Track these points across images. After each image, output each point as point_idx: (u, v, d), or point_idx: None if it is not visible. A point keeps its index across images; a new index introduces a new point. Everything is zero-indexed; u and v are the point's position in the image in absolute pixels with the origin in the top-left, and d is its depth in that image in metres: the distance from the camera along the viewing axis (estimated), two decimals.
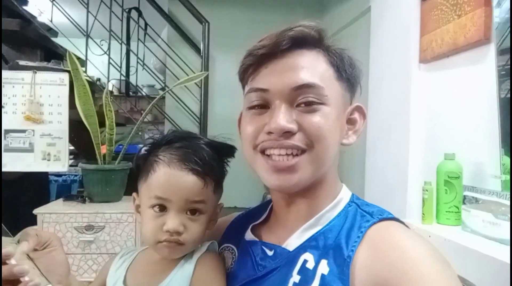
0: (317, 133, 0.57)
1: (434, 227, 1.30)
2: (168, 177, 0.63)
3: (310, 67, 0.58)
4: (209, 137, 0.71)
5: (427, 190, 1.34)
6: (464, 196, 1.26)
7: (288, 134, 0.56)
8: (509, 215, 1.07)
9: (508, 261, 0.93)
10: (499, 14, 1.28)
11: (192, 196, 0.63)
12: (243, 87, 0.66)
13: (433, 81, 1.61)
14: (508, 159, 1.24)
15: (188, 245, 0.64)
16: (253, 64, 0.60)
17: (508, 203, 1.10)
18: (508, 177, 1.21)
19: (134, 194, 0.71)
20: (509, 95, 1.23)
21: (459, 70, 1.46)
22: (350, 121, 0.65)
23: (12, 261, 0.56)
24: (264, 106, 0.60)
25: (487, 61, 1.31)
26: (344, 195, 0.65)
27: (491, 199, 1.17)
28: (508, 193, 1.16)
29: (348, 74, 0.62)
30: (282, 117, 0.56)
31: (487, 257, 1.00)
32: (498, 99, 1.25)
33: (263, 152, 0.60)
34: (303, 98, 0.57)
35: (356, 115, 0.65)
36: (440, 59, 1.55)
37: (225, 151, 0.69)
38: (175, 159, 0.64)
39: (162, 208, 0.63)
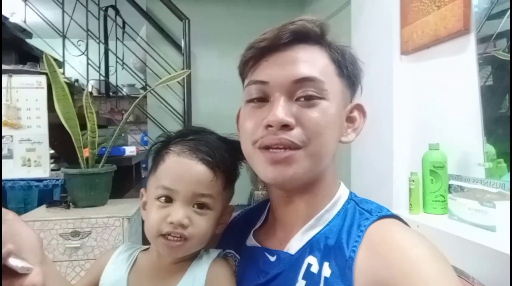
0: (315, 129, 0.56)
1: (421, 217, 1.32)
2: (177, 165, 0.61)
3: (311, 61, 0.57)
4: (221, 134, 0.69)
5: (413, 181, 1.35)
6: (450, 185, 1.28)
7: (286, 127, 0.55)
8: (494, 202, 1.09)
9: (495, 247, 0.95)
10: (477, 3, 1.29)
11: (200, 188, 0.61)
12: (243, 81, 0.64)
13: (415, 72, 1.62)
14: (491, 147, 1.26)
15: (191, 242, 0.61)
16: (254, 57, 0.59)
17: (493, 190, 1.12)
18: (491, 164, 1.24)
19: (142, 190, 0.69)
20: (489, 82, 1.26)
21: (440, 60, 1.48)
22: (350, 119, 0.64)
23: None
24: (263, 99, 0.59)
25: (468, 50, 1.33)
26: (342, 193, 0.64)
27: (476, 187, 1.19)
28: (492, 181, 1.19)
29: (349, 71, 0.61)
30: (281, 110, 0.55)
31: (475, 244, 1.02)
32: (479, 86, 1.27)
33: (261, 147, 0.58)
34: (302, 91, 0.56)
35: (356, 113, 0.65)
36: (421, 50, 1.57)
37: (239, 149, 0.66)
38: (186, 148, 0.63)
39: (168, 200, 0.61)
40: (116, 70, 2.93)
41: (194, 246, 0.63)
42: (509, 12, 1.19)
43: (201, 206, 0.62)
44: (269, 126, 0.56)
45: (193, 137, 0.65)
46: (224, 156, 0.64)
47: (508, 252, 0.90)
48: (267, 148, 0.57)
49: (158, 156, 0.65)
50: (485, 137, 1.26)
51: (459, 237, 1.08)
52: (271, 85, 0.57)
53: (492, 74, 1.30)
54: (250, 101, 0.60)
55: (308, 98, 0.57)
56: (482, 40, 1.28)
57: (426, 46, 1.53)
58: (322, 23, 0.59)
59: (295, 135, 0.56)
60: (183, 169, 0.61)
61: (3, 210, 0.55)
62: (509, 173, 1.18)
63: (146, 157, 0.68)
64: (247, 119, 0.60)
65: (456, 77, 1.40)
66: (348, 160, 2.05)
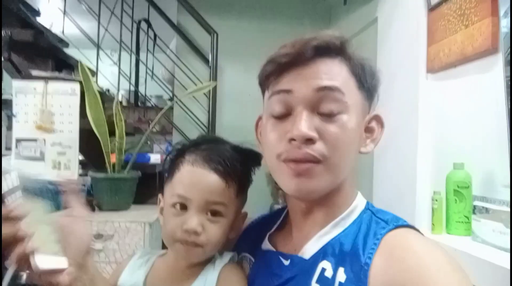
0: (336, 143, 0.58)
1: (444, 237, 1.29)
2: (191, 174, 0.64)
3: (332, 74, 0.59)
4: (234, 143, 0.72)
5: (436, 200, 1.33)
6: (474, 206, 1.25)
7: (309, 141, 0.57)
8: None
9: None
10: (506, 24, 1.28)
11: (213, 196, 0.63)
12: (263, 92, 0.66)
13: (441, 90, 1.61)
14: None
15: (206, 248, 0.64)
16: (276, 70, 0.61)
17: None
18: None
19: (159, 195, 0.72)
20: None
21: (467, 79, 1.46)
22: (368, 130, 0.65)
23: (23, 222, 0.51)
24: (285, 114, 0.60)
25: (495, 70, 1.31)
26: (359, 202, 0.65)
27: (501, 209, 1.16)
28: None
29: (368, 83, 0.62)
30: (304, 124, 0.57)
31: (499, 268, 0.99)
32: (507, 107, 1.24)
33: (286, 161, 0.60)
34: (324, 105, 0.58)
35: (374, 124, 0.66)
36: (448, 69, 1.56)
37: (251, 157, 0.70)
38: (199, 158, 0.65)
39: (183, 207, 0.64)
40: (145, 81, 3.03)
41: (209, 252, 0.65)
42: None
43: (214, 213, 0.64)
44: (292, 139, 0.57)
45: (206, 147, 0.68)
46: (236, 165, 0.67)
47: None
48: (291, 160, 0.58)
49: (174, 164, 0.68)
50: (511, 158, 1.23)
51: (483, 260, 1.05)
52: (294, 94, 0.59)
53: (510, 85, 1.26)
54: (273, 116, 0.61)
55: (329, 113, 0.58)
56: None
57: (453, 64, 1.52)
58: (343, 38, 0.61)
59: (317, 149, 0.57)
60: (196, 178, 0.64)
61: (74, 207, 0.59)
62: None
63: (164, 165, 0.71)
64: (271, 132, 0.61)
65: (483, 96, 1.38)
66: (370, 176, 2.02)
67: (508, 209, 1.15)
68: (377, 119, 0.66)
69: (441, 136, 1.58)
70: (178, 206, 0.64)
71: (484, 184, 1.31)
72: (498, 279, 0.98)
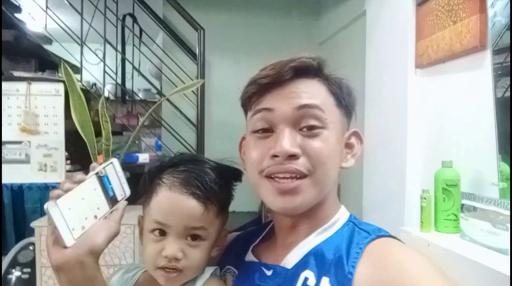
0: (319, 158, 0.60)
1: (432, 235, 1.30)
2: (168, 200, 0.64)
3: (312, 93, 0.62)
4: (215, 160, 0.72)
5: (425, 198, 1.34)
6: (462, 204, 1.26)
7: (292, 157, 0.59)
8: (507, 225, 1.06)
9: (506, 272, 0.93)
10: (494, 14, 1.27)
11: (192, 222, 0.63)
12: (245, 113, 0.68)
13: (429, 86, 1.61)
14: (506, 166, 1.24)
15: (187, 272, 0.64)
16: (257, 92, 0.63)
17: (506, 212, 1.10)
18: (506, 184, 1.22)
19: (139, 216, 0.71)
20: (507, 94, 1.23)
21: (456, 75, 1.46)
22: (348, 146, 0.68)
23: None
24: (268, 130, 0.62)
25: (483, 66, 1.31)
26: (342, 215, 0.67)
27: (489, 208, 1.17)
28: (506, 201, 1.16)
29: (346, 101, 0.66)
30: (287, 141, 0.59)
31: (485, 268, 1.00)
32: (495, 103, 1.24)
33: (268, 176, 0.61)
34: (305, 121, 0.60)
35: (353, 140, 0.69)
36: (436, 65, 1.55)
37: (231, 175, 0.70)
38: (177, 182, 0.65)
39: (162, 233, 0.63)
40: (132, 76, 2.98)
41: (190, 276, 0.65)
42: None
43: (194, 238, 0.64)
44: (275, 156, 0.59)
45: (185, 168, 0.67)
46: (214, 187, 0.66)
47: None
48: (273, 177, 0.60)
49: (152, 185, 0.67)
50: (500, 156, 1.24)
51: (470, 259, 1.06)
52: (276, 112, 0.61)
53: (511, 85, 1.27)
54: (256, 131, 0.64)
55: (311, 128, 0.61)
56: (501, 51, 1.25)
57: (442, 60, 1.51)
58: (320, 59, 0.64)
59: (302, 164, 0.59)
60: (174, 204, 0.63)
61: (118, 211, 0.63)
62: None
63: (142, 184, 0.70)
64: (253, 149, 0.63)
65: (471, 93, 1.38)
66: (360, 175, 2.03)
67: (496, 208, 1.15)
68: (356, 135, 0.69)
69: (431, 133, 1.58)
70: (157, 232, 0.64)
71: (473, 182, 1.32)
72: (484, 279, 0.99)
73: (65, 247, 0.55)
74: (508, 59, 1.25)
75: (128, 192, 0.64)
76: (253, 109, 0.64)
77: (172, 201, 0.63)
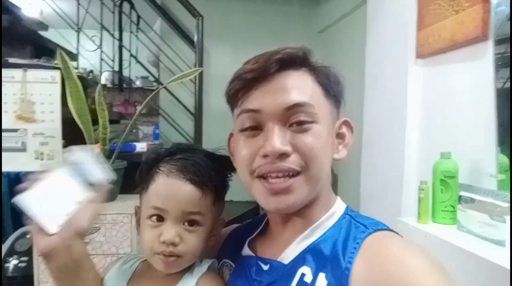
0: (311, 154, 0.58)
1: (429, 226, 1.30)
2: (166, 186, 0.64)
3: (299, 86, 0.60)
4: (210, 150, 0.72)
5: (423, 189, 1.33)
6: (460, 195, 1.26)
7: (283, 155, 0.57)
8: (505, 217, 1.07)
9: (503, 264, 0.94)
10: (497, 3, 1.25)
11: (189, 206, 0.63)
12: (232, 110, 0.66)
13: (430, 76, 1.59)
14: (505, 158, 1.24)
15: (185, 258, 0.64)
16: (243, 87, 0.61)
17: (504, 204, 1.10)
18: (504, 176, 1.21)
19: (136, 206, 0.72)
20: (507, 85, 1.22)
21: (457, 66, 1.45)
22: (339, 136, 0.66)
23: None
24: (256, 128, 0.60)
25: (485, 57, 1.29)
26: (338, 207, 0.66)
27: (487, 200, 1.17)
28: (504, 193, 1.16)
29: (334, 91, 0.63)
30: (277, 140, 0.57)
31: (482, 260, 1.00)
32: (495, 93, 1.23)
33: (260, 177, 0.60)
34: (295, 118, 0.58)
35: (344, 129, 0.67)
36: (437, 55, 1.53)
37: (226, 164, 0.69)
38: (174, 169, 0.65)
39: (160, 219, 0.64)
40: (129, 64, 2.95)
41: (187, 261, 0.66)
42: None
43: (192, 223, 0.65)
44: (266, 155, 0.58)
45: (181, 156, 0.67)
46: (211, 174, 0.67)
47: None
48: (265, 177, 0.59)
49: (148, 175, 0.67)
50: (498, 147, 1.23)
51: (467, 251, 1.06)
52: (263, 113, 0.59)
53: (511, 76, 1.26)
54: (244, 130, 0.62)
55: (300, 123, 0.59)
56: (502, 41, 1.24)
57: (443, 50, 1.49)
58: (305, 48, 0.62)
59: (293, 161, 0.58)
60: (172, 189, 0.64)
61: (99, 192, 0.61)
62: None
63: (138, 175, 0.70)
64: (243, 149, 0.62)
65: (471, 83, 1.36)
66: (358, 165, 2.03)
67: (493, 200, 1.15)
68: (347, 124, 0.67)
69: (429, 123, 1.57)
70: (154, 218, 0.64)
71: (471, 173, 1.32)
72: (480, 271, 1.00)
73: (51, 234, 0.55)
74: (509, 49, 1.23)
75: (109, 175, 0.63)
76: (240, 107, 0.62)
77: (169, 186, 0.64)
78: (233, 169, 0.69)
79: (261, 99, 0.59)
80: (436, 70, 1.55)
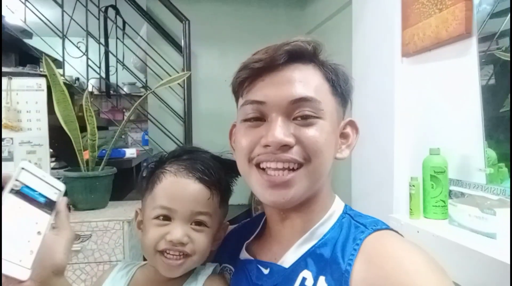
0: (315, 147, 0.57)
1: (421, 222, 1.31)
2: (174, 185, 0.63)
3: (306, 81, 0.58)
4: (214, 153, 0.72)
5: (413, 186, 1.35)
6: (450, 190, 1.27)
7: (285, 147, 0.56)
8: (495, 209, 1.08)
9: (494, 256, 0.95)
10: (479, 2, 1.28)
11: (198, 206, 0.62)
12: (236, 100, 0.65)
13: (416, 74, 1.61)
14: (492, 152, 1.26)
15: (194, 258, 0.62)
16: (249, 77, 0.60)
17: (493, 197, 1.12)
18: (493, 170, 1.23)
19: (137, 209, 0.70)
20: (491, 81, 1.25)
21: (442, 63, 1.47)
22: (343, 136, 0.65)
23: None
24: (259, 119, 0.59)
25: (469, 54, 1.32)
26: (337, 207, 0.65)
27: (477, 193, 1.18)
28: (493, 186, 1.18)
29: (342, 89, 0.62)
30: (280, 130, 0.56)
31: (474, 252, 1.02)
32: (480, 89, 1.25)
33: (258, 165, 0.59)
34: (299, 111, 0.57)
35: (349, 130, 0.66)
36: (423, 53, 1.56)
37: (231, 167, 0.68)
38: (182, 168, 0.64)
39: (167, 218, 0.62)
40: (116, 70, 2.92)
41: (195, 262, 0.64)
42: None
43: (199, 223, 0.63)
44: (267, 145, 0.56)
45: (188, 157, 0.66)
46: (219, 175, 0.66)
47: (508, 262, 0.89)
48: (264, 168, 0.58)
49: (153, 176, 0.66)
50: (486, 142, 1.25)
51: (459, 244, 1.07)
52: (268, 105, 0.58)
53: (495, 73, 1.28)
54: (247, 120, 0.61)
55: (305, 117, 0.57)
56: (485, 39, 1.27)
57: (428, 48, 1.52)
58: (315, 43, 0.60)
59: (296, 152, 0.57)
60: (180, 188, 0.62)
61: (61, 220, 0.55)
62: (509, 180, 1.17)
63: (140, 179, 0.69)
64: (243, 137, 0.60)
65: (457, 80, 1.39)
66: (348, 163, 2.04)
67: (483, 193, 1.17)
68: (352, 124, 0.66)
69: (418, 120, 1.59)
70: (161, 218, 0.62)
71: (460, 168, 1.34)
72: (473, 263, 1.01)
73: (23, 281, 0.48)
74: (492, 47, 1.26)
75: (61, 186, 0.56)
76: (245, 97, 0.61)
77: (178, 185, 0.62)
78: (238, 173, 0.68)
79: (267, 90, 0.58)
80: (422, 68, 1.58)
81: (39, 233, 0.51)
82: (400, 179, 1.59)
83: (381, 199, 1.68)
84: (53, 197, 0.55)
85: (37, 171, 0.53)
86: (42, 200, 0.53)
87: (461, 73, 1.36)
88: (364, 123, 1.90)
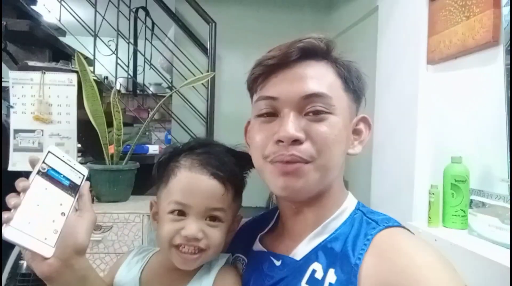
0: (324, 143, 0.58)
1: (440, 230, 1.30)
2: (189, 180, 0.63)
3: (319, 77, 0.60)
4: (228, 146, 0.71)
5: (433, 194, 1.33)
6: (471, 200, 1.25)
7: (296, 142, 0.57)
8: None
9: None
10: (508, 13, 1.26)
11: (213, 202, 0.62)
12: (251, 96, 0.67)
13: (440, 82, 1.60)
14: None
15: (208, 252, 0.63)
16: (263, 73, 0.61)
17: None
18: None
19: (151, 200, 0.71)
20: None
21: (467, 71, 1.45)
22: (356, 132, 0.66)
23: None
24: (272, 114, 0.61)
25: (496, 63, 1.30)
26: (350, 203, 0.66)
27: (498, 204, 1.16)
28: None
29: (355, 85, 0.63)
30: (291, 126, 0.57)
31: (494, 263, 1.00)
32: (506, 101, 1.23)
33: (272, 162, 0.60)
34: (311, 107, 0.58)
35: (362, 126, 0.66)
36: (448, 61, 1.54)
37: (245, 160, 0.69)
38: (197, 163, 0.64)
39: (182, 213, 0.63)
40: (144, 69, 3.00)
41: (210, 256, 0.65)
42: None
43: (213, 219, 0.64)
44: (279, 141, 0.58)
45: (203, 151, 0.66)
46: (233, 170, 0.66)
47: None
48: (277, 161, 0.59)
49: (168, 169, 0.66)
50: (510, 152, 1.23)
51: (478, 254, 1.06)
52: (280, 100, 0.59)
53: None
54: (260, 115, 0.62)
55: (317, 113, 0.59)
56: None
57: (454, 56, 1.50)
58: (328, 40, 0.61)
59: (305, 149, 0.58)
60: (195, 184, 0.63)
61: (85, 205, 0.57)
62: None
63: (156, 170, 0.69)
64: (257, 133, 0.62)
65: (482, 89, 1.37)
66: (369, 169, 2.03)
67: (505, 204, 1.15)
68: (365, 120, 0.67)
69: (440, 128, 1.57)
70: (176, 213, 0.63)
71: (482, 178, 1.31)
72: (492, 274, 0.99)
73: (47, 258, 0.51)
74: None
75: (85, 171, 0.58)
76: (258, 93, 0.62)
77: (193, 181, 0.63)
78: (252, 165, 0.69)
79: (280, 86, 0.59)
80: (447, 76, 1.56)
81: (63, 214, 0.53)
82: (420, 186, 1.57)
83: (400, 206, 1.66)
84: (77, 181, 0.57)
85: (63, 155, 0.56)
86: (66, 183, 0.55)
87: (487, 82, 1.34)
88: (386, 129, 1.91)
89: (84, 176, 0.58)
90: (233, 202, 0.66)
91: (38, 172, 0.52)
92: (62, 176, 0.55)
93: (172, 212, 0.63)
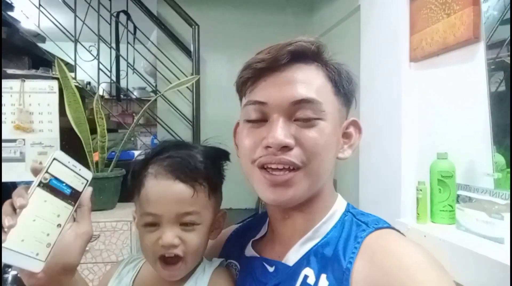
0: (314, 149, 0.57)
1: (428, 226, 1.31)
2: (155, 189, 0.61)
3: (309, 81, 0.59)
4: (201, 142, 0.70)
5: (421, 190, 1.34)
6: (458, 195, 1.27)
7: (285, 148, 0.57)
8: (502, 214, 1.07)
9: (502, 261, 0.94)
10: (487, 9, 1.28)
11: (183, 207, 0.61)
12: (240, 99, 0.66)
13: (424, 80, 1.61)
14: (501, 157, 1.25)
15: (188, 259, 0.62)
16: (252, 77, 0.60)
17: (501, 202, 1.11)
18: (501, 175, 1.23)
19: (133, 211, 0.69)
20: (501, 88, 1.24)
21: (450, 68, 1.47)
22: (346, 135, 0.65)
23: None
24: (261, 119, 0.60)
25: (477, 59, 1.32)
26: (339, 205, 0.65)
27: (484, 198, 1.18)
28: (501, 191, 1.17)
29: (345, 89, 0.62)
30: (280, 132, 0.56)
31: (481, 256, 1.01)
32: (489, 95, 1.25)
33: (260, 167, 0.59)
34: (300, 113, 0.57)
35: (352, 129, 0.66)
36: (430, 58, 1.56)
37: (218, 154, 0.68)
38: (162, 169, 0.62)
39: (155, 224, 0.61)
40: (127, 74, 2.97)
41: (191, 262, 0.63)
42: None
43: (187, 224, 0.62)
44: (268, 147, 0.57)
45: (168, 155, 0.64)
46: (202, 169, 0.63)
47: None
48: (266, 167, 0.58)
49: (139, 179, 0.64)
50: (494, 147, 1.25)
51: (466, 249, 1.07)
52: (269, 105, 0.58)
53: (504, 79, 1.28)
54: (249, 121, 0.61)
55: (306, 118, 0.58)
56: (495, 45, 1.26)
57: (435, 53, 1.52)
58: (318, 43, 0.60)
59: (295, 155, 0.57)
60: (161, 192, 0.61)
61: (83, 221, 0.56)
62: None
63: (130, 181, 0.67)
64: (246, 138, 0.61)
65: (465, 85, 1.38)
66: (356, 168, 2.04)
67: (491, 198, 1.17)
68: (355, 124, 0.66)
69: (425, 125, 1.59)
70: (149, 224, 0.62)
71: (468, 173, 1.33)
72: (481, 268, 1.00)
73: (37, 273, 0.50)
74: (502, 53, 1.26)
75: (88, 176, 0.57)
76: (247, 97, 0.61)
77: (159, 189, 0.61)
78: (224, 158, 0.68)
79: (269, 91, 0.58)
80: (430, 73, 1.58)
81: (59, 225, 0.52)
82: (407, 183, 1.59)
83: (389, 204, 1.68)
84: (79, 188, 0.55)
85: (69, 161, 0.54)
86: (68, 191, 0.53)
87: (469, 78, 1.36)
88: (371, 128, 1.93)
89: (87, 181, 0.57)
90: (209, 200, 0.64)
91: (40, 184, 0.51)
92: (64, 184, 0.53)
93: (145, 225, 0.62)
